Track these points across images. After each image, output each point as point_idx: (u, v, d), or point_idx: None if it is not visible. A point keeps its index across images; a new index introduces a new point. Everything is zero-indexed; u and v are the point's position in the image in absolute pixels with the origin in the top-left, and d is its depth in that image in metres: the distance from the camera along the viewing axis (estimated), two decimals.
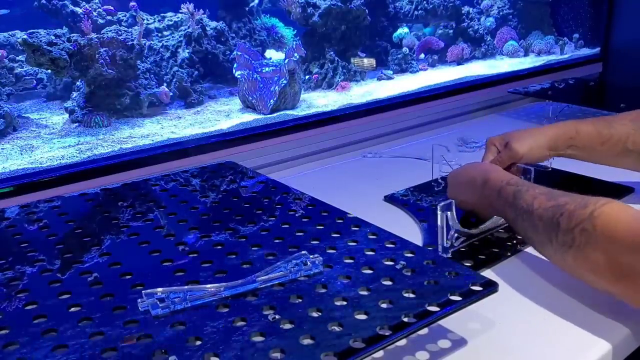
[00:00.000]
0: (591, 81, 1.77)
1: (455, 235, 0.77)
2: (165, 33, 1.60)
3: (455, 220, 0.77)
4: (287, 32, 1.75)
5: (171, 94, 1.36)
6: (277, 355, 0.48)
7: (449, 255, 0.77)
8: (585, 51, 2.05)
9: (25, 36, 1.12)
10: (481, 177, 0.81)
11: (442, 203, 0.75)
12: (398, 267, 0.62)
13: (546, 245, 0.67)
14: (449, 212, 0.75)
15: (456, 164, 0.97)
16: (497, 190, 0.76)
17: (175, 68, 1.43)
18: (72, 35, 1.21)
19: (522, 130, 0.94)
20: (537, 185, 0.73)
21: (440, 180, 1.02)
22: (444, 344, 0.60)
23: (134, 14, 1.55)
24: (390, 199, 0.99)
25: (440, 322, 0.58)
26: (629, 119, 0.91)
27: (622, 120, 0.91)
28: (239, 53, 1.38)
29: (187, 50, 1.47)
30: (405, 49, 1.75)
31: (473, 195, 0.82)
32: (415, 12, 1.90)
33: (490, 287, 0.58)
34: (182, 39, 1.50)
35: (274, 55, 1.72)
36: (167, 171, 0.99)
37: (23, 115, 1.26)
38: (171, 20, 1.63)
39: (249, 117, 1.28)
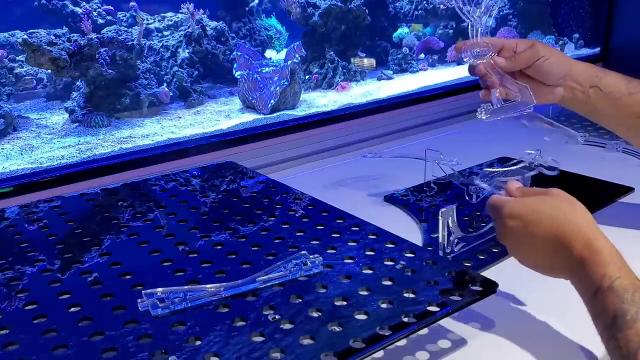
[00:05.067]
0: None
1: (456, 240, 0.77)
2: (165, 33, 1.60)
3: (456, 227, 0.76)
4: (273, 22, 1.75)
5: (171, 94, 1.36)
6: (277, 355, 0.48)
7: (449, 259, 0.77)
8: (585, 51, 2.05)
9: (25, 36, 1.12)
10: (557, 242, 0.58)
11: (444, 209, 0.74)
12: (398, 267, 0.62)
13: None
14: (450, 218, 0.75)
15: (457, 164, 0.96)
16: (593, 292, 0.55)
17: (175, 68, 1.43)
18: (72, 35, 1.21)
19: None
20: None
21: (432, 185, 1.02)
22: (444, 344, 0.60)
23: (134, 14, 1.55)
24: (390, 199, 0.99)
25: (440, 322, 0.58)
26: None
27: None
28: (239, 53, 1.38)
29: (187, 50, 1.47)
30: (405, 49, 1.75)
31: (545, 263, 0.62)
32: (415, 12, 1.90)
33: (490, 287, 0.58)
34: (182, 39, 1.49)
35: (274, 55, 1.72)
36: (167, 171, 0.99)
37: (23, 115, 1.25)
38: (171, 20, 1.63)
39: (249, 117, 1.27)
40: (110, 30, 1.30)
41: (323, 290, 0.58)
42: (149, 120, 1.26)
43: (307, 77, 1.53)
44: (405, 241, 0.68)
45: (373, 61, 1.65)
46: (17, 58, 1.40)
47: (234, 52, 1.44)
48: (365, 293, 0.57)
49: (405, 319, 0.52)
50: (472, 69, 0.81)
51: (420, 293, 0.57)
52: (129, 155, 1.05)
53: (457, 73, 1.71)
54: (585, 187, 1.04)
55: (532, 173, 0.90)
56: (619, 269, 0.54)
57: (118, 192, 0.88)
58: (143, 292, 0.56)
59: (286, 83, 1.29)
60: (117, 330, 0.52)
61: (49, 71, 1.28)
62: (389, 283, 0.59)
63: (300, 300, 0.56)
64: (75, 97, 1.25)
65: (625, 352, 0.50)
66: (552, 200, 0.62)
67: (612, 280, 0.54)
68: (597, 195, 0.99)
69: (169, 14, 1.65)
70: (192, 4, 1.49)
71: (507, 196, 0.66)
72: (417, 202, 0.97)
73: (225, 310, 0.55)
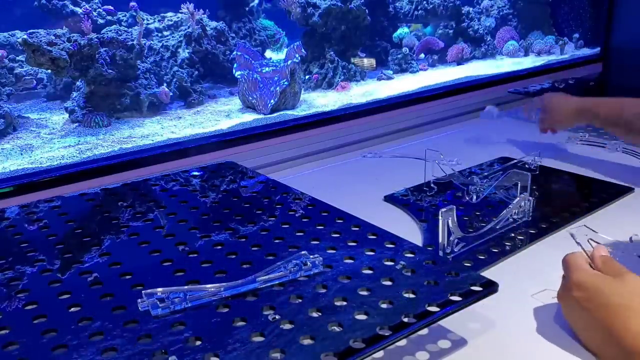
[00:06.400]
0: (591, 81, 1.77)
1: (456, 240, 0.77)
2: (165, 33, 1.60)
3: (456, 227, 0.76)
4: (269, 23, 1.76)
5: (171, 94, 1.36)
6: (277, 355, 0.48)
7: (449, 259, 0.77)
8: (585, 51, 2.05)
9: (25, 36, 1.12)
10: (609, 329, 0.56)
11: (444, 209, 0.74)
12: (398, 267, 0.62)
13: None
14: (450, 219, 0.75)
15: (457, 164, 0.96)
16: None
17: (175, 68, 1.43)
18: (72, 35, 1.22)
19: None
20: None
21: (432, 185, 1.02)
22: (444, 344, 0.60)
23: (134, 14, 1.55)
24: (390, 199, 0.99)
25: (440, 322, 0.58)
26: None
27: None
28: (239, 53, 1.38)
29: (187, 50, 1.47)
30: (405, 49, 1.75)
31: (592, 343, 0.59)
32: (415, 12, 1.90)
33: (490, 287, 0.58)
34: (182, 39, 1.50)
35: (273, 55, 1.72)
36: (167, 171, 0.99)
37: (23, 115, 1.26)
38: (171, 20, 1.63)
39: (249, 117, 1.28)
40: (110, 30, 1.30)
41: (323, 290, 0.58)
42: (149, 120, 1.26)
43: (307, 77, 1.53)
44: (405, 241, 0.68)
45: (373, 61, 1.65)
46: (17, 58, 1.40)
47: (234, 52, 1.44)
48: (365, 293, 0.57)
49: (405, 319, 0.52)
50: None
51: (420, 293, 0.57)
52: (129, 155, 1.05)
53: (457, 73, 1.71)
54: (585, 187, 1.04)
55: (532, 173, 0.90)
56: None
57: (118, 192, 0.88)
58: (143, 292, 0.56)
59: (286, 83, 1.29)
60: (117, 331, 0.52)
61: (49, 71, 1.28)
62: (389, 283, 0.59)
63: (300, 300, 0.56)
64: (75, 97, 1.25)
65: None
66: (622, 286, 0.58)
67: None
68: (597, 195, 0.99)
69: (169, 14, 1.65)
70: (192, 4, 1.49)
71: (589, 258, 0.63)
72: (417, 202, 0.97)
73: (225, 310, 0.55)
